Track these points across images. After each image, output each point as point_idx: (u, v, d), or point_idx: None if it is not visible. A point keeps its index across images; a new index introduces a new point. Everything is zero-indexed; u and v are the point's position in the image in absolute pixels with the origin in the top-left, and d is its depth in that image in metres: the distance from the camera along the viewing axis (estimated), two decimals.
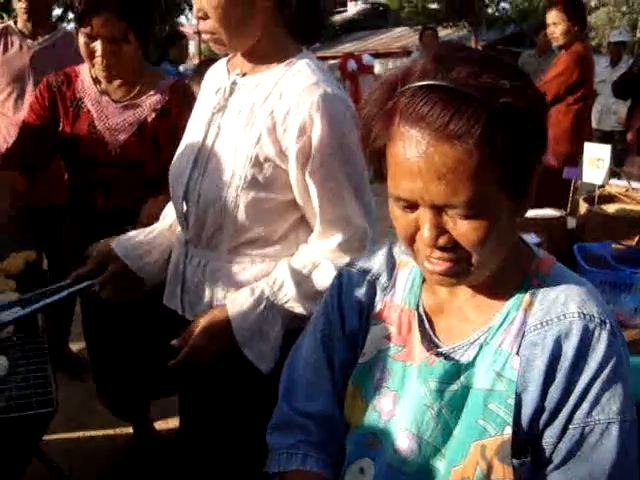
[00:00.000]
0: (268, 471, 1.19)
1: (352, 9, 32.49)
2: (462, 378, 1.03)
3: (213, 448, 1.66)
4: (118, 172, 2.26)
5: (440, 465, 1.05)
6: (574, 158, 3.74)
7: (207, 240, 1.58)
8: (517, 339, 1.01)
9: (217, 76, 1.64)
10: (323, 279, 1.48)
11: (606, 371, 0.96)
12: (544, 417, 1.00)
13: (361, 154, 1.41)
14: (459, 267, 0.97)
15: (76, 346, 3.64)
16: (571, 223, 2.58)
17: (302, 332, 1.28)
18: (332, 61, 12.31)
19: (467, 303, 1.09)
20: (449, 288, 1.10)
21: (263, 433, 1.25)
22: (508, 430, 0.98)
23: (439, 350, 1.08)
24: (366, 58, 10.07)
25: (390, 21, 28.17)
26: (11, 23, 3.13)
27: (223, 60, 1.67)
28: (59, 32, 3.14)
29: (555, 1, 4.41)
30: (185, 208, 1.61)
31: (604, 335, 0.97)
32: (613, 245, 2.19)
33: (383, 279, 1.19)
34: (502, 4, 23.14)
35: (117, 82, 2.27)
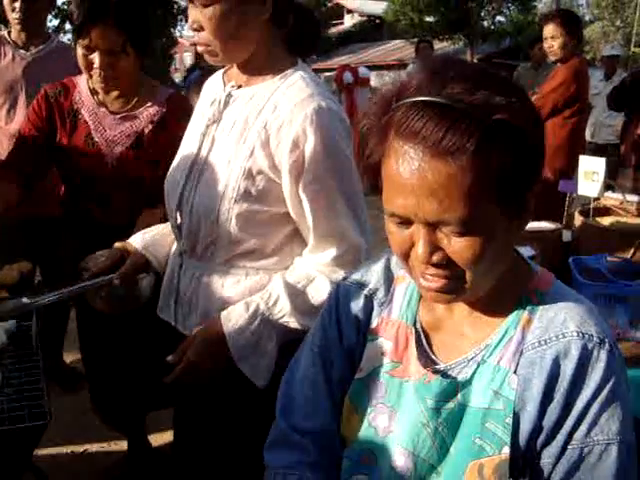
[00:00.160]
0: None
1: (348, 21, 32.73)
2: (459, 396, 1.02)
3: (208, 463, 1.65)
4: (115, 184, 2.25)
5: None
6: (569, 171, 3.75)
7: (201, 252, 1.58)
8: (515, 357, 1.00)
9: (213, 88, 1.65)
10: (318, 294, 1.48)
11: (605, 391, 0.95)
12: (542, 437, 0.98)
13: (355, 169, 1.41)
14: (454, 284, 0.96)
15: (70, 358, 3.61)
16: (566, 236, 2.59)
17: (299, 347, 1.26)
18: (328, 73, 12.35)
19: (465, 320, 1.08)
20: (446, 304, 1.08)
21: (258, 448, 1.24)
22: (506, 450, 0.97)
23: (436, 367, 1.07)
24: (362, 70, 10.11)
25: (386, 34, 28.35)
26: (5, 33, 3.12)
27: (220, 72, 1.67)
28: (53, 43, 3.12)
29: (552, 15, 4.44)
30: (179, 219, 1.61)
31: (603, 355, 0.96)
32: (608, 258, 2.19)
33: (380, 294, 1.17)
34: (498, 17, 23.34)
35: (114, 94, 2.27)
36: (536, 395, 0.98)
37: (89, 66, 2.13)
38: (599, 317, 1.02)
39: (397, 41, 25.35)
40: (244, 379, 1.50)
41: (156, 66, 15.90)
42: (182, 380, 1.54)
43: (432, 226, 0.92)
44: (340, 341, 1.18)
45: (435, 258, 0.94)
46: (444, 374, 1.05)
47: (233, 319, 1.50)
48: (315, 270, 1.50)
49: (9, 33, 3.11)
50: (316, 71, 1.67)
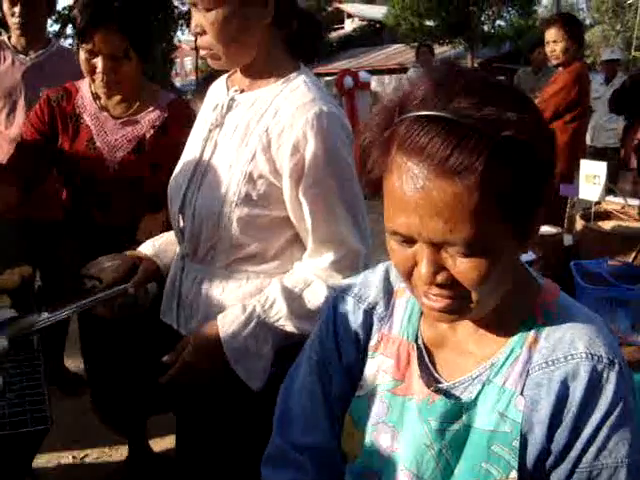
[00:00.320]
0: None
1: (348, 26, 32.77)
2: (464, 417, 0.99)
3: (210, 466, 1.65)
4: (116, 189, 2.25)
5: None
6: (570, 175, 3.75)
7: (203, 255, 1.58)
8: (521, 377, 0.97)
9: (217, 92, 1.66)
10: (314, 298, 1.48)
11: (615, 414, 0.93)
12: (550, 460, 0.96)
13: (356, 174, 1.41)
14: (458, 304, 0.93)
15: (71, 363, 3.61)
16: (567, 240, 2.59)
17: (296, 352, 1.23)
18: (328, 77, 12.36)
19: (469, 337, 1.05)
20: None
21: (258, 451, 1.24)
22: (514, 474, 0.95)
23: (439, 386, 1.03)
24: (363, 75, 10.11)
25: (386, 38, 28.39)
26: (5, 38, 3.13)
27: (224, 76, 1.68)
28: (53, 47, 3.13)
29: (554, 19, 4.45)
30: (181, 223, 1.62)
31: (612, 377, 0.94)
32: (609, 262, 2.19)
33: (380, 309, 1.13)
34: (498, 21, 23.35)
35: (116, 98, 2.27)
36: (544, 418, 0.95)
37: (92, 70, 2.14)
38: (607, 334, 0.99)
39: (397, 45, 25.39)
40: (242, 382, 1.50)
41: (157, 71, 15.94)
42: (177, 381, 1.54)
43: (436, 246, 0.88)
44: (339, 358, 1.15)
45: (439, 279, 0.90)
46: (448, 393, 1.02)
47: (229, 321, 1.50)
48: (313, 274, 1.50)
49: (9, 38, 3.12)
50: (317, 75, 1.67)
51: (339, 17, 32.40)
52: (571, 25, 4.28)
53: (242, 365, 1.50)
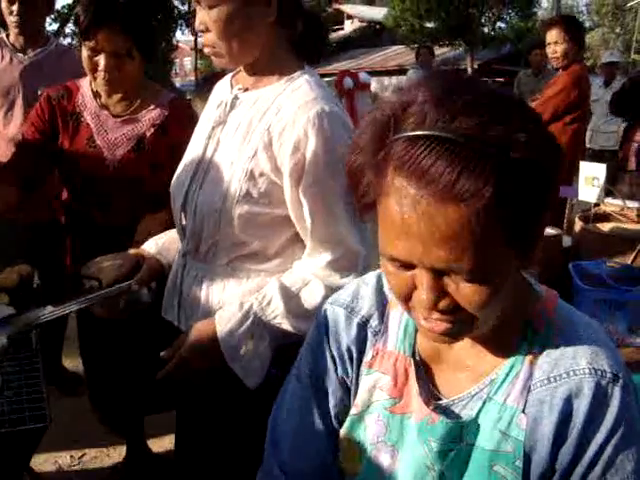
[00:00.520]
0: None
1: (348, 27, 32.78)
2: (465, 437, 0.96)
3: (208, 465, 1.65)
4: (116, 188, 2.25)
5: None
6: (570, 177, 3.76)
7: (204, 253, 1.58)
8: (523, 394, 0.94)
9: (221, 91, 1.67)
10: (312, 297, 1.48)
11: (620, 431, 0.90)
12: (555, 479, 0.93)
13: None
14: (459, 327, 0.89)
15: (69, 363, 3.61)
16: (566, 241, 2.59)
17: (294, 351, 1.19)
18: (327, 78, 12.36)
19: (466, 351, 1.01)
20: None
21: (256, 450, 1.23)
22: None
23: (439, 403, 1.00)
24: (363, 76, 10.09)
25: (386, 39, 28.41)
26: (4, 36, 3.13)
27: (229, 75, 1.69)
28: (51, 46, 3.13)
29: (555, 20, 4.45)
30: (183, 220, 1.62)
31: (617, 392, 0.90)
32: (608, 263, 2.20)
33: (374, 322, 1.08)
34: (498, 23, 23.37)
35: (117, 97, 2.27)
36: (547, 436, 0.92)
37: (94, 68, 2.13)
38: (609, 345, 0.96)
39: (397, 47, 25.40)
40: (240, 379, 1.50)
41: (156, 71, 15.95)
42: (174, 376, 1.54)
43: (438, 271, 0.83)
44: (335, 371, 1.10)
45: (442, 305, 0.86)
46: (447, 409, 0.99)
47: (226, 318, 1.50)
48: (311, 274, 1.50)
49: (7, 36, 3.12)
50: None
51: (339, 18, 32.41)
52: (572, 27, 4.28)
53: (238, 362, 1.49)
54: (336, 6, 32.88)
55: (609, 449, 0.90)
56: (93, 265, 1.77)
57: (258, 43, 1.50)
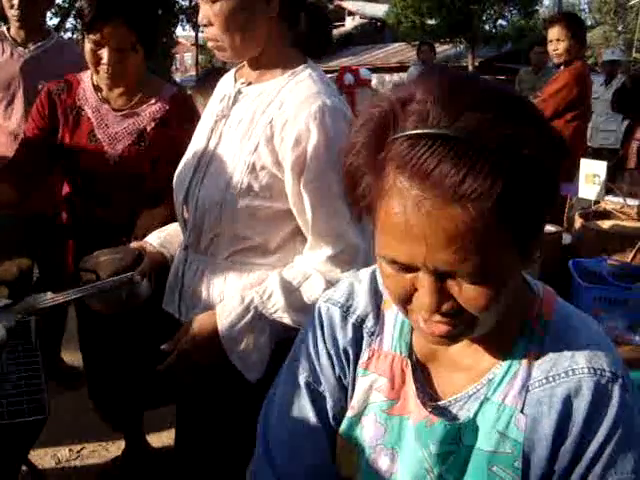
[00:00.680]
0: None
1: (349, 24, 32.73)
2: (463, 438, 0.95)
3: (208, 458, 1.65)
4: (116, 182, 2.25)
5: None
6: (570, 174, 3.76)
7: (205, 246, 1.59)
8: (521, 394, 0.93)
9: (225, 85, 1.67)
10: (312, 291, 1.48)
11: (620, 431, 0.89)
12: (554, 479, 0.92)
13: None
14: (460, 330, 0.87)
15: (69, 357, 3.61)
16: (566, 239, 2.59)
17: (279, 378, 1.14)
18: (328, 75, 12.36)
19: (463, 350, 0.99)
20: None
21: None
22: None
23: (436, 404, 0.99)
24: (363, 72, 10.09)
25: (387, 36, 28.38)
26: (4, 30, 3.12)
27: (233, 69, 1.69)
28: (52, 40, 3.13)
29: (558, 17, 4.44)
30: (185, 213, 1.62)
31: (616, 391, 0.89)
32: (608, 261, 2.20)
33: (369, 322, 1.05)
34: (499, 21, 23.37)
35: (118, 90, 2.27)
36: (547, 436, 0.91)
37: (97, 61, 2.13)
38: (608, 343, 0.95)
39: (398, 44, 25.37)
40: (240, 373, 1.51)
41: (157, 66, 15.95)
42: (174, 369, 1.55)
43: (440, 273, 0.81)
44: (332, 370, 1.07)
45: (444, 308, 0.83)
46: (445, 412, 0.98)
47: (227, 311, 1.50)
48: (312, 268, 1.50)
49: (8, 29, 3.12)
50: None
51: (340, 15, 32.35)
52: (574, 24, 4.28)
53: (238, 355, 1.50)
54: (337, 2, 32.84)
55: (609, 449, 0.89)
56: (91, 259, 1.77)
57: (261, 37, 1.50)
